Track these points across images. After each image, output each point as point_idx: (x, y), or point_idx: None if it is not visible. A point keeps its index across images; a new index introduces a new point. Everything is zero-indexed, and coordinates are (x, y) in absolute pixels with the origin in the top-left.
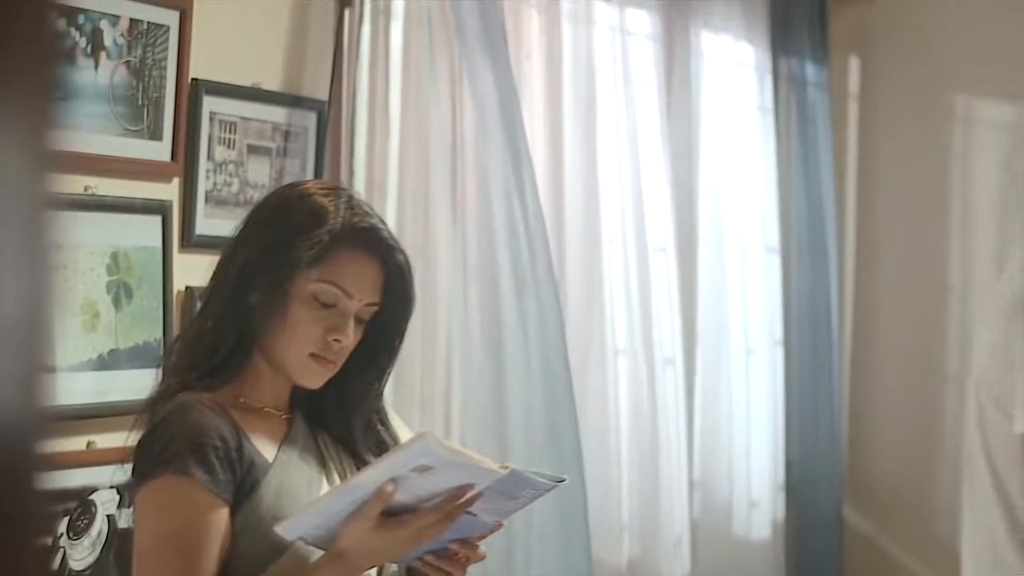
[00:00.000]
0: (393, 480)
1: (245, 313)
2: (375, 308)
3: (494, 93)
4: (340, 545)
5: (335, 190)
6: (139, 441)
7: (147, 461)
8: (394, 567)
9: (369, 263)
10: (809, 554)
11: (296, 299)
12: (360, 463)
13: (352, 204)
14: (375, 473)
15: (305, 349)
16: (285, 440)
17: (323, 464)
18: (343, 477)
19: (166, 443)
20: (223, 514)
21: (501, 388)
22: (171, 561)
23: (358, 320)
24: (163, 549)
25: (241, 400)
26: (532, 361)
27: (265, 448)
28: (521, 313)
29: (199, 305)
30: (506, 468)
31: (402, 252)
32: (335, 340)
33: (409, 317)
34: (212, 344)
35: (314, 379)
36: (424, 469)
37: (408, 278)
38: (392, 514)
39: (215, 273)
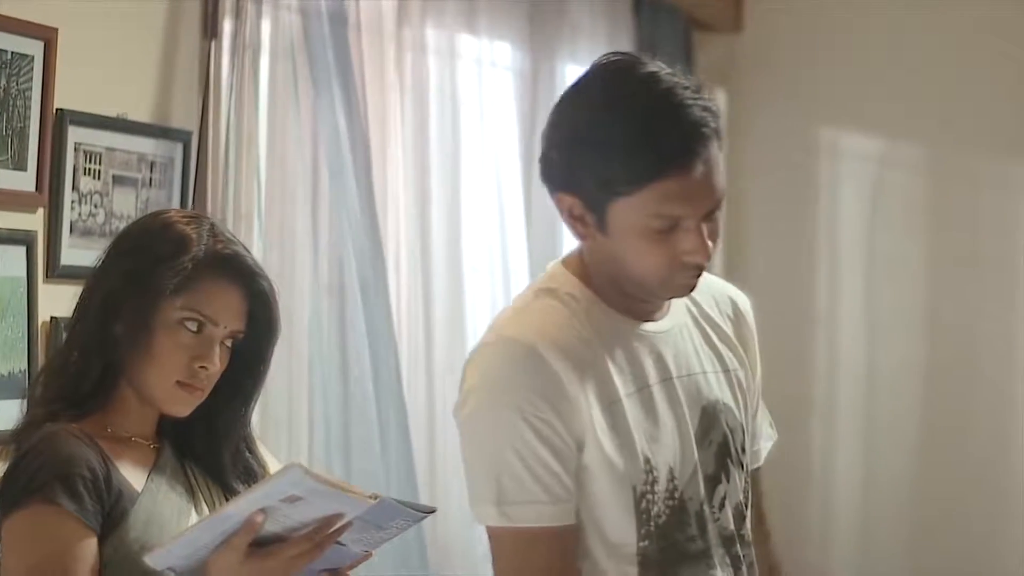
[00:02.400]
0: (262, 510)
1: (110, 343)
2: (240, 335)
3: (345, 126)
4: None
5: (197, 218)
6: (6, 471)
7: (14, 491)
8: None
9: (233, 290)
10: None
11: (160, 328)
12: (229, 493)
13: (215, 232)
14: (244, 503)
15: (171, 377)
16: (153, 469)
17: (192, 493)
18: (212, 507)
19: (33, 473)
20: (91, 544)
21: (347, 408)
22: None
23: (223, 347)
24: None
25: (108, 430)
26: (368, 383)
27: (133, 478)
28: (359, 333)
29: (64, 336)
30: (375, 497)
31: (266, 279)
32: (201, 368)
33: (274, 343)
34: (78, 375)
35: (181, 407)
36: (294, 499)
37: (272, 304)
38: (262, 544)
39: (78, 304)
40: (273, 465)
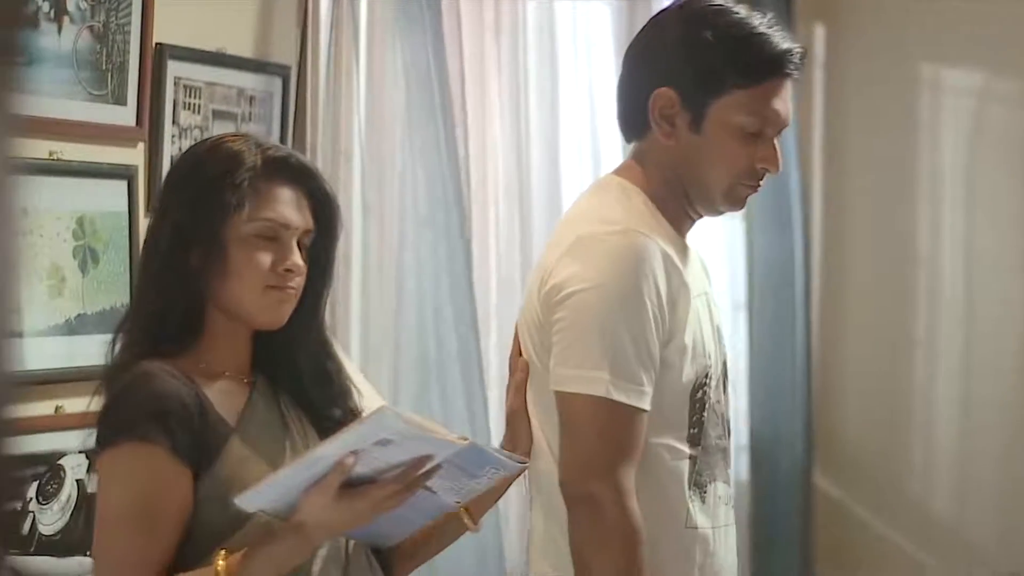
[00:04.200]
0: (353, 452)
1: (190, 275)
2: (310, 234)
3: (434, 64)
4: (298, 517)
5: (241, 135)
6: (102, 409)
7: (110, 429)
8: (351, 543)
9: (294, 192)
10: (772, 513)
11: (236, 245)
12: (319, 420)
13: (261, 142)
14: (336, 446)
15: (259, 284)
16: (247, 404)
17: (285, 428)
18: (303, 440)
19: (128, 411)
20: (186, 482)
21: (440, 346)
22: (133, 528)
23: (300, 248)
24: (125, 516)
25: (202, 365)
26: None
27: (228, 414)
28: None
29: (139, 277)
30: (464, 440)
31: (323, 178)
32: (287, 271)
33: (337, 241)
34: (163, 313)
35: (276, 312)
36: (384, 442)
37: (333, 202)
38: (351, 486)
39: (147, 244)
40: (356, 375)
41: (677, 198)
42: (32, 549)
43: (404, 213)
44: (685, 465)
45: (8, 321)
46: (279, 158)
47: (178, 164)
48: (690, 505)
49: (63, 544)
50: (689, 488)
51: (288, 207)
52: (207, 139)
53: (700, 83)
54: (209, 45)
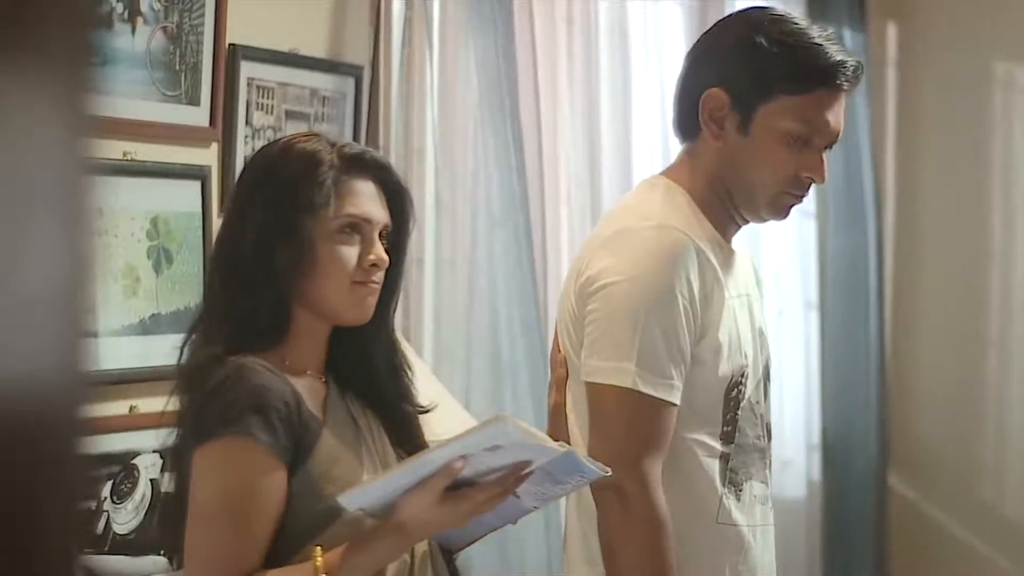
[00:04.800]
0: (463, 457)
1: (275, 274)
2: (389, 228)
3: (503, 63)
4: (400, 517)
5: (312, 134)
6: (198, 402)
7: (207, 422)
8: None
9: (372, 186)
10: (845, 513)
11: (322, 242)
12: (388, 416)
13: (333, 140)
14: (448, 451)
15: (346, 280)
16: (327, 402)
17: (356, 424)
18: (372, 436)
19: (227, 404)
20: (282, 477)
21: (513, 343)
22: (228, 521)
23: (381, 242)
24: (220, 511)
25: (287, 363)
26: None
27: (314, 410)
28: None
29: (214, 277)
30: (563, 446)
31: (396, 172)
32: (372, 266)
33: (410, 235)
34: (251, 311)
35: (362, 308)
36: (494, 448)
37: (407, 196)
38: (451, 487)
39: (224, 245)
40: (427, 375)
41: (721, 201)
42: (106, 548)
43: (476, 212)
44: (717, 462)
45: (83, 321)
46: (355, 154)
47: (253, 166)
48: (724, 501)
49: (137, 543)
50: (723, 485)
51: (369, 202)
52: (277, 140)
53: (750, 86)
54: (282, 45)
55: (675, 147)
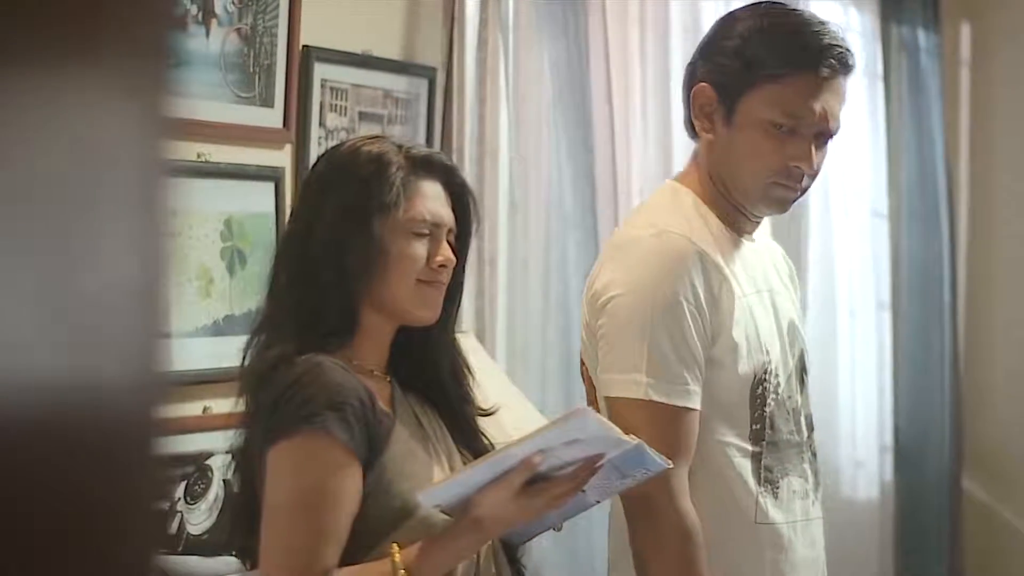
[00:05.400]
0: (541, 452)
1: (345, 274)
2: (454, 230)
3: (576, 62)
4: (477, 513)
5: (376, 137)
6: (273, 400)
7: (283, 419)
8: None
9: (439, 188)
10: (918, 515)
11: (393, 243)
12: (451, 415)
13: (398, 142)
14: (528, 445)
15: (412, 279)
16: (393, 400)
17: (419, 423)
18: (436, 434)
19: (303, 401)
20: (357, 474)
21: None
22: (305, 517)
23: (448, 243)
24: (298, 506)
25: (355, 362)
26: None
27: (383, 408)
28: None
29: (280, 277)
30: (633, 439)
31: (461, 172)
32: (440, 266)
33: (472, 235)
34: (321, 310)
35: (429, 307)
36: (572, 442)
37: (471, 197)
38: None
39: (291, 248)
40: (499, 375)
41: (725, 197)
42: (180, 549)
43: (549, 213)
44: (749, 461)
45: (160, 322)
46: (423, 156)
47: (321, 168)
48: (760, 500)
49: (210, 544)
50: (759, 484)
51: (437, 203)
52: (343, 143)
53: (731, 77)
54: (355, 47)
55: None
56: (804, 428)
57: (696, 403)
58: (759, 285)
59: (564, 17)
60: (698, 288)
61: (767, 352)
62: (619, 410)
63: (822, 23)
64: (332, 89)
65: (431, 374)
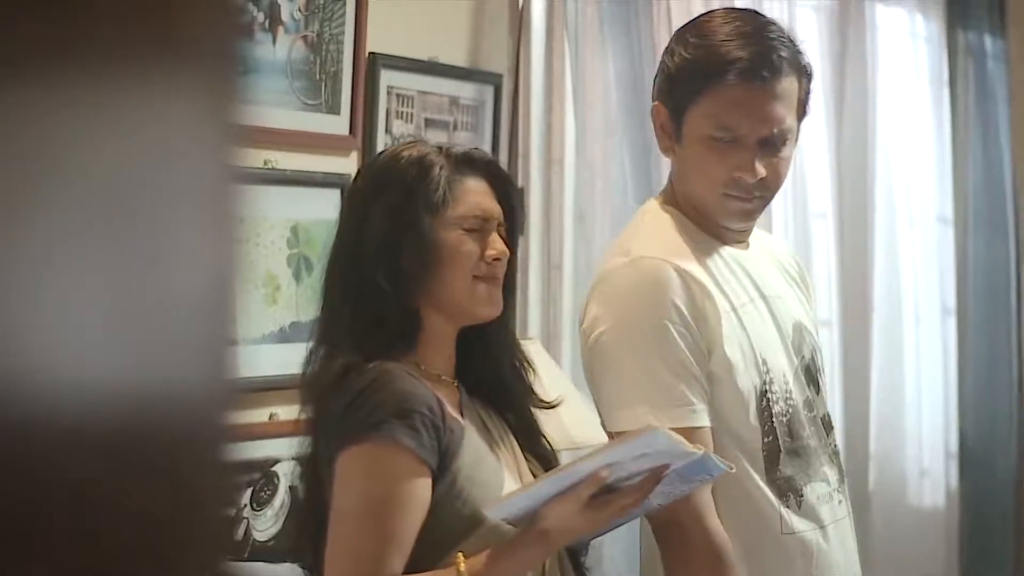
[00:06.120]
0: (609, 466)
1: (401, 278)
2: (503, 223)
3: (631, 67)
4: (544, 525)
5: (411, 142)
6: (342, 407)
7: (352, 426)
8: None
9: (484, 183)
10: (984, 522)
11: (445, 242)
12: (515, 417)
13: (437, 144)
14: (597, 460)
15: (468, 275)
16: (462, 406)
17: (487, 428)
18: (504, 441)
19: (373, 408)
20: (426, 482)
21: None
22: (372, 525)
23: (499, 236)
24: (365, 512)
25: (422, 367)
26: None
27: (453, 415)
28: None
29: (332, 287)
30: (699, 449)
31: (502, 166)
32: (495, 260)
33: (520, 227)
34: (382, 317)
35: (489, 303)
36: (640, 456)
37: (515, 189)
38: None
39: (347, 254)
40: (566, 383)
41: (697, 210)
42: (246, 555)
43: (614, 220)
44: (766, 473)
45: (229, 328)
46: (463, 154)
47: (362, 180)
48: (784, 512)
49: (276, 550)
50: (780, 495)
51: (485, 198)
52: (379, 155)
53: (673, 93)
54: (421, 54)
55: (804, 151)
56: (823, 430)
57: (704, 420)
58: (752, 294)
59: (628, 23)
60: (681, 307)
61: (764, 363)
62: None
63: (744, 30)
64: (398, 96)
65: (493, 372)
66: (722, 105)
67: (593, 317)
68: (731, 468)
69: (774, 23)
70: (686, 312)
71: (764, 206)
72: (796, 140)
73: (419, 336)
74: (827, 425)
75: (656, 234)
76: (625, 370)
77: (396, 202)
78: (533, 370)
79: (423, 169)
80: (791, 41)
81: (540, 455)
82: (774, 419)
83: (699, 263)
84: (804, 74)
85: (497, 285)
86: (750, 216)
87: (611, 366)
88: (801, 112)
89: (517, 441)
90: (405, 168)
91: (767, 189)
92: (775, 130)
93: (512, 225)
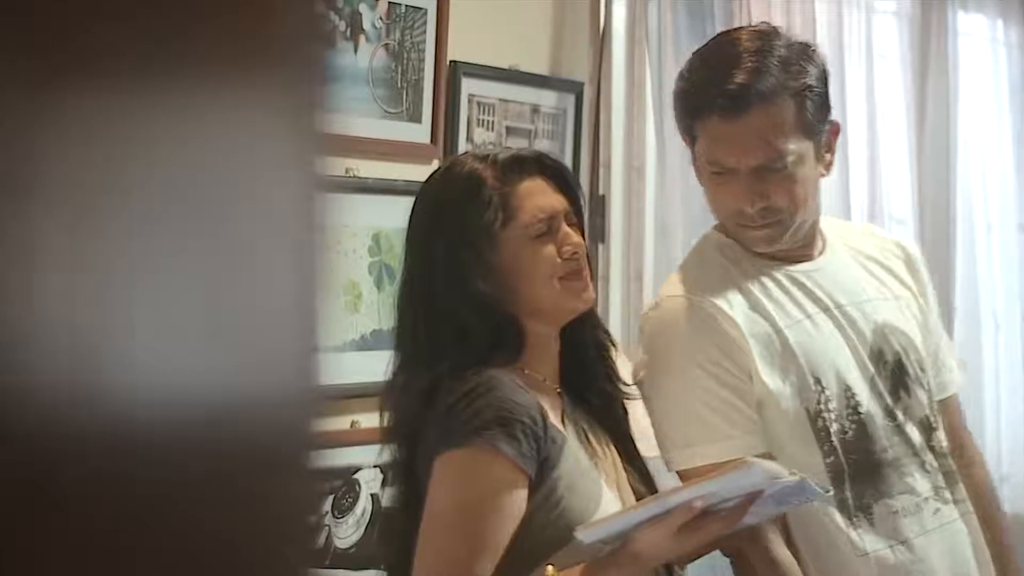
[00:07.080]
0: (702, 496)
1: (474, 298)
2: (570, 212)
3: None
4: (635, 548)
5: (462, 157)
6: (446, 408)
7: (452, 431)
8: None
9: (539, 180)
10: None
11: (519, 251)
12: (606, 421)
13: (478, 153)
14: (695, 491)
15: (550, 280)
16: (564, 415)
17: (587, 438)
18: (602, 451)
19: (474, 414)
20: (523, 491)
21: None
22: (465, 529)
23: (571, 228)
24: (459, 517)
25: (526, 372)
26: None
27: (556, 424)
28: None
29: (415, 300)
30: (795, 475)
31: (549, 156)
32: (573, 255)
33: (584, 208)
34: (463, 328)
35: (578, 297)
36: (734, 487)
37: (570, 172)
38: None
39: (413, 289)
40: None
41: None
42: (327, 562)
43: (694, 229)
44: (832, 497)
45: (314, 336)
46: (509, 158)
47: (423, 202)
48: (852, 533)
49: (357, 558)
50: (850, 515)
51: (544, 197)
52: (432, 176)
53: (679, 126)
54: (502, 62)
55: (885, 158)
56: (916, 435)
57: (746, 449)
58: (809, 309)
59: (705, 32)
60: (708, 345)
61: (818, 382)
62: (688, 477)
63: (718, 61)
64: (479, 104)
65: (579, 360)
66: (707, 141)
67: (637, 363)
68: (829, 491)
69: (775, 43)
70: (717, 345)
71: (785, 229)
72: (815, 158)
73: (526, 344)
74: (926, 428)
75: (694, 267)
76: (666, 416)
77: (458, 220)
78: (615, 347)
79: (478, 181)
80: (789, 63)
81: (639, 468)
82: (832, 438)
83: (738, 291)
84: (801, 94)
85: (581, 276)
86: (771, 241)
87: (653, 411)
88: (808, 131)
89: (617, 451)
90: (459, 183)
91: (778, 213)
92: (765, 156)
93: (577, 208)
